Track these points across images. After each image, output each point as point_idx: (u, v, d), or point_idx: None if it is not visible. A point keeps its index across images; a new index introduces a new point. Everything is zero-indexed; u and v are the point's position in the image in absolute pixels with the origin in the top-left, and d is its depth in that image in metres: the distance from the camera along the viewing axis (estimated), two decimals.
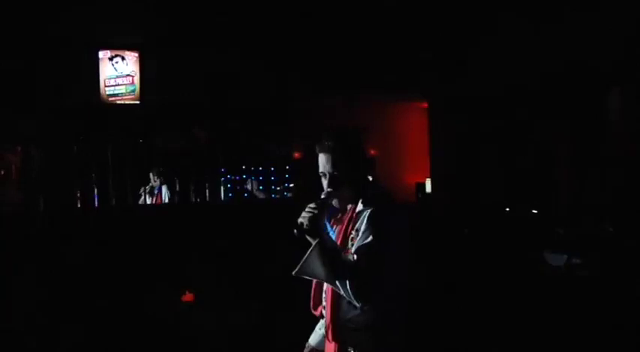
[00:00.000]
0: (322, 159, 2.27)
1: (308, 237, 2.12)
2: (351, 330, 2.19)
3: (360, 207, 2.22)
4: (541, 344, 4.74)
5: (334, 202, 2.29)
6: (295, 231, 2.11)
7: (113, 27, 8.21)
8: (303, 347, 2.55)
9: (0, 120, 7.65)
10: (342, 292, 2.10)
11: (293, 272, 2.17)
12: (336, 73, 8.95)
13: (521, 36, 7.78)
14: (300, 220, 2.12)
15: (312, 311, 2.46)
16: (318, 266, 2.09)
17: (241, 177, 9.59)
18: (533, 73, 7.80)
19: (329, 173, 2.25)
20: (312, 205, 2.15)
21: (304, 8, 7.46)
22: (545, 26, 7.51)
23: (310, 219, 2.11)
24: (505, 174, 9.10)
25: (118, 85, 8.87)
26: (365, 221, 2.16)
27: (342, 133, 2.27)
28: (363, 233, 2.14)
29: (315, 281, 2.38)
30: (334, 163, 2.23)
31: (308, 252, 2.10)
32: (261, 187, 9.59)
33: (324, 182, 2.28)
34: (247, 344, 5.08)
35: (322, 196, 2.23)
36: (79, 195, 8.51)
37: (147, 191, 8.26)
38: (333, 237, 2.30)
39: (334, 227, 2.36)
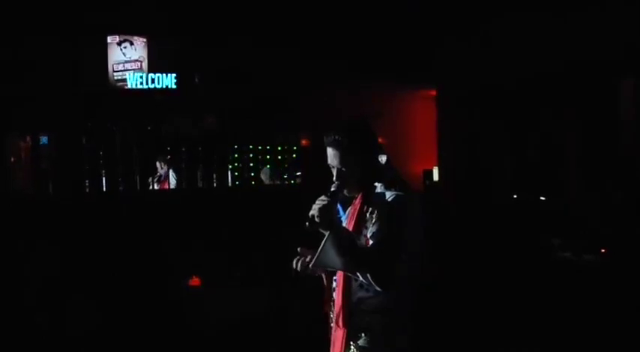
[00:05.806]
0: (330, 153, 2.28)
1: (321, 230, 2.12)
2: (361, 313, 2.20)
3: (377, 189, 2.22)
4: (550, 330, 4.77)
5: (345, 191, 2.29)
6: (307, 224, 2.11)
7: (122, 11, 8.16)
8: (311, 332, 2.54)
9: (9, 107, 7.66)
10: (361, 279, 2.11)
11: (310, 265, 2.21)
12: (344, 60, 8.90)
13: (532, 28, 7.71)
14: (311, 213, 2.12)
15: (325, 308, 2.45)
16: (334, 257, 2.10)
17: (250, 163, 9.59)
18: (544, 65, 7.73)
19: (337, 167, 2.26)
20: (322, 197, 2.15)
21: None
22: (555, 19, 7.45)
23: (321, 211, 2.10)
24: (513, 163, 9.08)
25: (127, 70, 8.82)
26: (380, 206, 2.17)
27: (349, 126, 2.27)
28: (379, 218, 2.15)
29: (325, 277, 2.39)
30: (341, 158, 2.24)
31: (322, 244, 2.10)
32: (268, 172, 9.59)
33: (334, 172, 2.29)
34: (254, 328, 5.12)
35: (332, 188, 2.23)
36: (87, 181, 8.55)
37: (155, 180, 8.33)
38: (345, 220, 2.32)
39: (346, 210, 2.36)
